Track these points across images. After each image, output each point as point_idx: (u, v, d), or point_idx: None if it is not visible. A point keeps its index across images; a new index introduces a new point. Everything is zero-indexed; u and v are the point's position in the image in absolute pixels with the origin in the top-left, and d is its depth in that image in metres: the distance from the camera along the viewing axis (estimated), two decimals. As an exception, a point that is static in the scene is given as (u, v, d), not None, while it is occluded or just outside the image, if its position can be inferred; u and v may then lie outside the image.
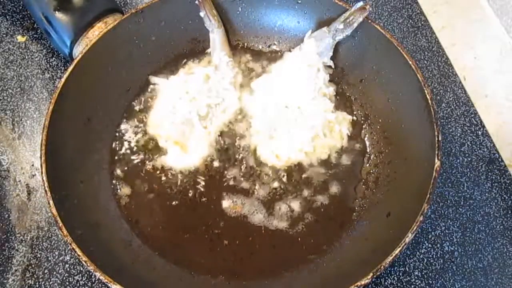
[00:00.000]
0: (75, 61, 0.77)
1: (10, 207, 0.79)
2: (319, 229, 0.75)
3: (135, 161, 0.81)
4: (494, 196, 0.82)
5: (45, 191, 0.66)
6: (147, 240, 0.74)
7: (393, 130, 0.80)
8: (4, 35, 0.99)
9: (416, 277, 0.75)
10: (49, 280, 0.73)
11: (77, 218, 0.68)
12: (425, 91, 0.73)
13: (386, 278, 0.75)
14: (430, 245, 0.78)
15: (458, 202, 0.82)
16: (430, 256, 0.77)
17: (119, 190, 0.78)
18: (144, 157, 0.81)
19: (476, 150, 0.87)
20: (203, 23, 0.86)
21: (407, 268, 0.76)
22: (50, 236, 0.77)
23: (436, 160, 0.67)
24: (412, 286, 0.75)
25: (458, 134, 0.88)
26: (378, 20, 1.02)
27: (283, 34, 0.91)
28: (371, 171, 0.80)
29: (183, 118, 0.81)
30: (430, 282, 0.75)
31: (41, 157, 0.68)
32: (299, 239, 0.74)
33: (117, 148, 0.82)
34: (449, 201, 0.82)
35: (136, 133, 0.83)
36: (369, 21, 0.80)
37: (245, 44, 0.92)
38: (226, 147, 0.82)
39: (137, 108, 0.86)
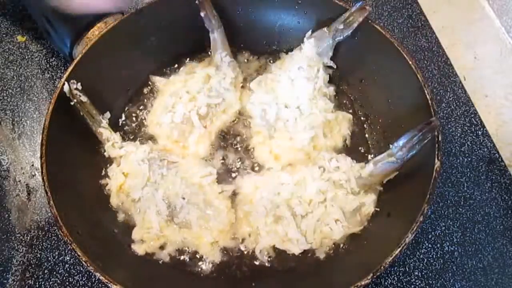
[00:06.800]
0: (75, 61, 0.77)
1: (10, 207, 0.79)
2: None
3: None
4: (494, 196, 0.82)
5: (45, 191, 0.66)
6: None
7: (393, 130, 0.80)
8: (4, 35, 0.99)
9: (416, 277, 0.75)
10: (49, 280, 0.73)
11: (77, 218, 0.68)
12: (425, 91, 0.73)
13: (386, 278, 0.75)
14: (430, 245, 0.78)
15: (458, 202, 0.82)
16: (430, 256, 0.77)
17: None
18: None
19: (476, 150, 0.87)
20: (203, 23, 0.86)
21: (407, 268, 0.76)
22: (50, 236, 0.77)
23: (436, 160, 0.67)
24: (412, 286, 0.75)
25: (458, 134, 0.88)
26: (378, 20, 1.03)
27: (283, 34, 0.91)
28: (371, 171, 0.80)
29: (183, 118, 0.81)
30: (430, 282, 0.75)
31: (41, 157, 0.68)
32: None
33: (117, 148, 0.82)
34: (449, 201, 0.82)
35: (136, 133, 0.83)
36: (369, 21, 0.80)
37: (245, 44, 0.92)
38: (226, 147, 0.82)
39: (137, 107, 0.86)
